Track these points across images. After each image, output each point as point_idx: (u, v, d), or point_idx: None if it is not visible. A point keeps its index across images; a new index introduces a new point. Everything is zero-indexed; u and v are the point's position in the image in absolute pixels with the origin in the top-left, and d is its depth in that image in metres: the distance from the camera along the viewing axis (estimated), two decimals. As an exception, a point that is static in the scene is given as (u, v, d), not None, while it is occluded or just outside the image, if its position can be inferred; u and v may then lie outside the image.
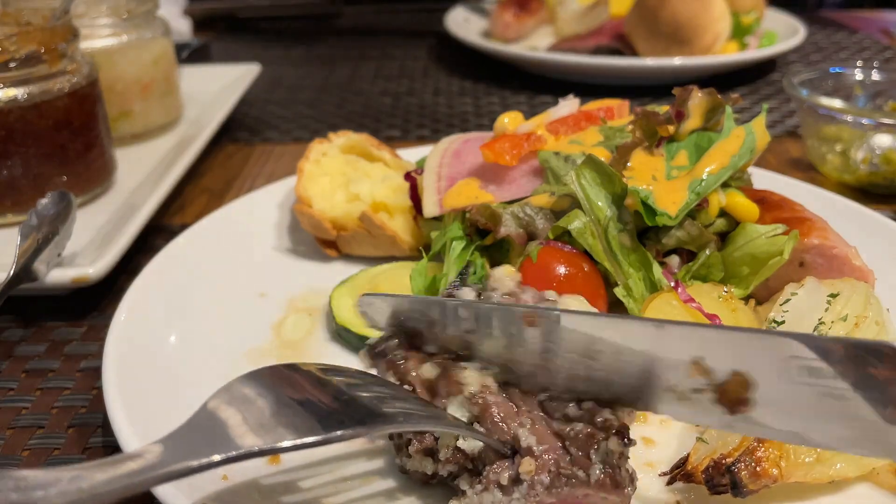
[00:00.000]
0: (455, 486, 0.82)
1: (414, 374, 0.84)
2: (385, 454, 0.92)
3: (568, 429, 0.77)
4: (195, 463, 0.61)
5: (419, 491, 0.86)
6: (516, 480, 0.76)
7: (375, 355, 0.88)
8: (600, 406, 0.77)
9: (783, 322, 0.95)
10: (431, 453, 0.82)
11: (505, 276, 0.90)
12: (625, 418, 0.78)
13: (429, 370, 0.84)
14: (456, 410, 0.81)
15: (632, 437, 0.77)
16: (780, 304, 0.98)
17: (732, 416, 0.68)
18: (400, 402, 0.78)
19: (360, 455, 0.92)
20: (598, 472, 0.74)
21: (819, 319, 0.94)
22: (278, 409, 0.69)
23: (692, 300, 1.04)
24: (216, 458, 0.62)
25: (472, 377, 0.82)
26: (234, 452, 0.63)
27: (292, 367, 0.77)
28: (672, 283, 1.08)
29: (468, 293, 0.89)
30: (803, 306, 0.97)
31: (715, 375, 0.68)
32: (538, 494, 0.75)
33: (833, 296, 0.97)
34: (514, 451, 0.78)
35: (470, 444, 0.79)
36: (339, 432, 0.67)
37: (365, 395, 0.75)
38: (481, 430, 0.79)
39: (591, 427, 0.76)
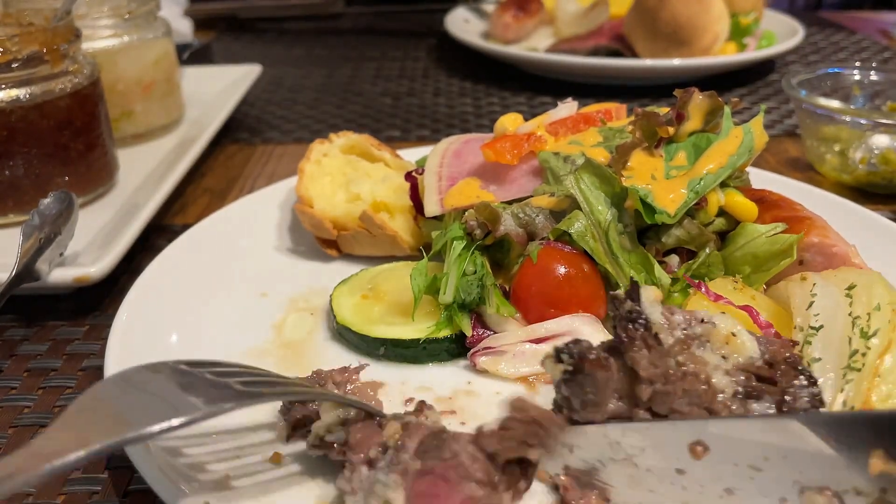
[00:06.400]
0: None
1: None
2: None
3: None
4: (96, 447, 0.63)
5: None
6: (383, 449, 0.76)
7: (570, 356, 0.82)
8: None
9: (821, 327, 0.92)
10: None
11: (654, 300, 0.84)
12: None
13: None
14: None
15: None
16: (807, 309, 0.95)
17: None
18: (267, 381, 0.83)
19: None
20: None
21: (850, 314, 0.92)
22: (158, 396, 0.71)
23: (720, 297, 1.03)
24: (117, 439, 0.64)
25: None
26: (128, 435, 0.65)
27: (158, 366, 0.78)
28: (696, 283, 1.07)
29: (654, 308, 0.83)
30: (828, 305, 0.94)
31: None
32: (404, 460, 0.74)
33: (851, 287, 0.95)
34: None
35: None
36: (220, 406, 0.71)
37: (236, 379, 0.79)
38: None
39: None
